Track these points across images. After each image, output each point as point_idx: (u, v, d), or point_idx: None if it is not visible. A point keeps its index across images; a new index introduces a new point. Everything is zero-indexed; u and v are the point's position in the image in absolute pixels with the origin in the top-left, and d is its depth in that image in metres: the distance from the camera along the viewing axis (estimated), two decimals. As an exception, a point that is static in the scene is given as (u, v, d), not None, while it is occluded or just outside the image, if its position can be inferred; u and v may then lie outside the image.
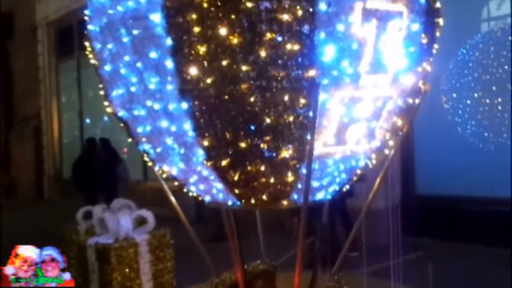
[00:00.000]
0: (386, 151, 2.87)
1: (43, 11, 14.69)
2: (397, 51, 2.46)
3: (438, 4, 2.74)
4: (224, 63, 2.26)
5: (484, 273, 5.57)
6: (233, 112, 2.35)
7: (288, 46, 2.22)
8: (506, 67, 6.98)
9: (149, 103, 2.55)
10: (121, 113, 2.82)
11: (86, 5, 2.83)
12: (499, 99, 7.00)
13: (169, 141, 2.61)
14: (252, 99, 2.30)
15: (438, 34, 2.80)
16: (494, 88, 7.00)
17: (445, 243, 6.52)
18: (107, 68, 2.72)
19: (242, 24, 2.21)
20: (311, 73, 2.25)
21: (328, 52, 2.24)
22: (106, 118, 13.13)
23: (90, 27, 2.77)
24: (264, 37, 2.22)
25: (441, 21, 2.77)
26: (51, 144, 14.29)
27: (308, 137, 2.36)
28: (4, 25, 15.95)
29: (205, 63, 2.28)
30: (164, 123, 2.55)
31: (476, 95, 7.12)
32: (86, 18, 2.83)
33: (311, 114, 2.32)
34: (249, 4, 2.19)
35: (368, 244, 4.26)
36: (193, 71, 2.29)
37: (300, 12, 2.20)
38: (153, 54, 2.37)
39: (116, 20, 2.51)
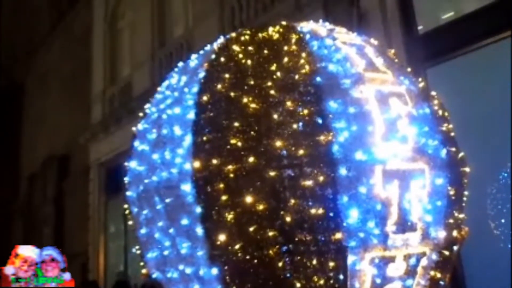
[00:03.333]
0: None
1: (96, 153, 15.82)
2: (424, 207, 2.46)
3: (461, 154, 2.79)
4: (251, 229, 2.32)
5: None
6: (263, 276, 2.35)
7: (313, 211, 2.28)
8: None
9: (181, 266, 2.60)
10: (155, 274, 2.87)
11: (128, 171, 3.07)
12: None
13: (201, 304, 2.60)
14: (280, 264, 2.31)
15: (466, 181, 2.80)
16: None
17: None
18: (143, 231, 2.85)
19: (267, 191, 2.32)
20: (338, 236, 2.27)
21: (352, 215, 2.27)
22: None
23: (128, 193, 2.96)
24: (288, 203, 2.30)
25: (467, 169, 2.79)
26: (97, 280, 14.34)
27: (341, 300, 2.30)
28: (61, 166, 17.19)
29: (233, 229, 2.35)
30: (196, 287, 2.57)
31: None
32: (126, 184, 3.05)
33: (341, 276, 2.29)
34: (272, 173, 2.32)
35: None
36: (222, 237, 2.36)
37: (321, 178, 2.29)
38: (184, 221, 2.49)
39: (151, 189, 2.69)
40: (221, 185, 2.38)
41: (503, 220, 6.94)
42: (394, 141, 2.41)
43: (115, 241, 15.51)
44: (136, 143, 2.97)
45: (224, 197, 2.37)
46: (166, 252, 2.69)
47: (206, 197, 2.41)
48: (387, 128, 2.40)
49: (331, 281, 2.32)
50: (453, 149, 2.72)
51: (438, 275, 2.66)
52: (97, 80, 14.39)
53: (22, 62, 19.77)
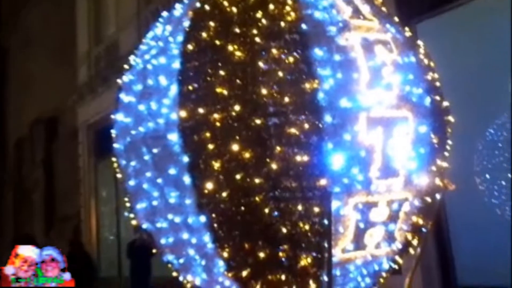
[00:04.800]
0: (412, 251, 2.82)
1: (84, 115, 15.67)
2: (406, 154, 2.51)
3: (446, 103, 2.82)
4: (238, 176, 2.36)
5: None
6: (250, 223, 2.41)
7: (298, 158, 2.31)
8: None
9: (170, 216, 2.65)
10: (145, 225, 2.92)
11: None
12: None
13: (191, 252, 2.66)
14: (267, 210, 2.36)
15: (450, 131, 2.85)
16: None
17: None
18: (131, 183, 2.88)
19: (253, 139, 2.34)
20: (322, 182, 2.31)
21: (337, 161, 2.31)
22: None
23: (116, 145, 2.97)
24: (274, 150, 2.33)
25: (451, 118, 2.83)
26: (90, 242, 14.51)
27: (325, 244, 2.37)
28: (49, 129, 17.04)
29: (220, 177, 2.39)
30: (185, 235, 2.62)
31: (510, 175, 6.98)
32: (113, 136, 3.05)
33: (326, 222, 2.35)
34: (258, 121, 2.33)
35: None
36: (209, 185, 2.40)
37: (306, 125, 2.32)
38: (172, 171, 2.51)
39: (138, 140, 2.70)
40: (208, 134, 2.39)
41: (487, 176, 7.09)
42: (379, 89, 2.43)
43: (107, 204, 15.61)
44: (122, 95, 2.95)
45: (210, 146, 2.39)
46: (155, 203, 2.73)
47: (193, 146, 2.42)
48: (372, 75, 2.41)
49: (316, 226, 2.39)
50: (438, 98, 2.74)
51: (420, 221, 2.74)
52: (82, 40, 14.06)
53: (6, 25, 19.23)
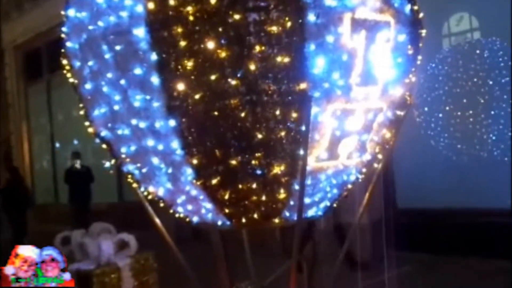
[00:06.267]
0: (375, 165, 2.84)
1: (10, 34, 14.38)
2: (386, 62, 2.44)
3: (421, 15, 2.75)
4: (213, 77, 2.18)
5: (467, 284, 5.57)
6: (223, 128, 2.28)
7: (278, 59, 2.17)
8: (475, 79, 7.22)
9: (134, 121, 2.45)
10: (103, 133, 2.69)
11: (62, 23, 2.72)
12: (470, 112, 7.20)
13: (155, 160, 2.51)
14: (242, 115, 2.23)
15: (421, 45, 2.80)
16: (464, 100, 7.21)
17: (427, 255, 6.53)
18: (88, 86, 2.61)
19: (230, 37, 2.15)
20: (303, 86, 2.20)
21: (318, 64, 2.19)
22: (76, 142, 12.85)
23: (68, 44, 2.66)
24: (253, 50, 2.16)
25: (424, 32, 2.77)
26: (22, 169, 13.83)
27: (301, 152, 2.30)
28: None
29: (193, 78, 2.20)
30: (150, 142, 2.45)
31: (447, 108, 7.31)
32: (63, 35, 2.72)
33: (303, 128, 2.26)
34: (236, 16, 2.14)
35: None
36: (180, 86, 2.21)
37: (289, 24, 2.15)
38: (137, 71, 2.28)
39: (97, 36, 2.41)
40: (180, 29, 2.17)
41: (426, 109, 7.38)
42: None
43: (39, 131, 14.81)
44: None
45: (183, 43, 2.17)
46: (116, 107, 2.50)
47: (162, 42, 2.20)
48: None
49: (292, 133, 2.30)
50: (415, 7, 2.66)
51: (388, 134, 2.74)
52: None
53: None
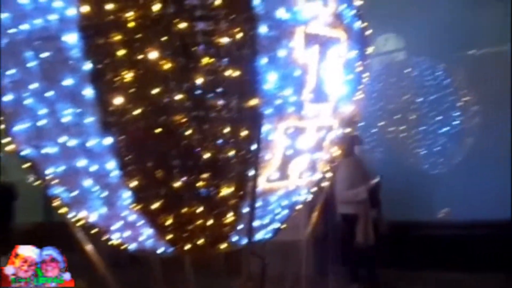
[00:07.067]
0: (324, 184, 2.75)
1: None
2: (338, 78, 2.36)
3: (369, 31, 2.71)
4: (155, 91, 1.98)
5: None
6: (166, 147, 2.07)
7: (228, 72, 2.01)
8: (405, 97, 7.56)
9: (62, 139, 2.17)
10: (26, 151, 2.37)
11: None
12: (403, 127, 7.50)
13: (88, 182, 2.24)
14: (188, 132, 2.03)
15: (367, 63, 2.77)
16: (398, 116, 7.51)
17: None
18: (8, 98, 2.29)
19: (175, 47, 1.96)
20: (253, 102, 2.05)
21: (270, 79, 2.06)
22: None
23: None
24: (200, 62, 1.98)
25: (371, 49, 2.74)
26: None
27: (251, 172, 2.14)
28: None
29: (132, 91, 1.98)
30: (82, 162, 2.18)
31: (381, 123, 7.56)
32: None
33: (254, 147, 2.11)
34: (182, 25, 1.95)
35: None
36: (118, 100, 1.99)
37: (239, 35, 2.00)
38: (67, 81, 2.03)
39: (19, 41, 2.12)
40: (118, 37, 1.95)
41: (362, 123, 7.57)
42: (317, 2, 2.19)
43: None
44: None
45: (121, 52, 1.95)
46: (41, 122, 2.21)
47: (97, 51, 1.97)
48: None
49: (242, 152, 2.14)
50: (364, 24, 2.62)
51: (337, 152, 2.66)
52: None
53: None
